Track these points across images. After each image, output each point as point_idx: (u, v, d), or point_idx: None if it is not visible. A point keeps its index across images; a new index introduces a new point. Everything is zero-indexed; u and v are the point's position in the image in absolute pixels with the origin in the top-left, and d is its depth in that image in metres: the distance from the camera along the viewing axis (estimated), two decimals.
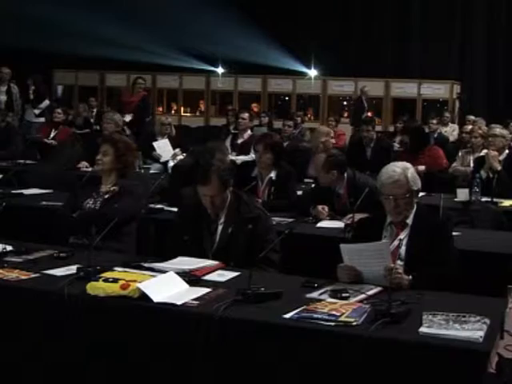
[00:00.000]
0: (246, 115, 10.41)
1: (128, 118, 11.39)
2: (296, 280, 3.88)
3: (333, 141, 8.66)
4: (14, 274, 3.84)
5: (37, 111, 13.28)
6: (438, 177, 8.20)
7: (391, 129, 15.22)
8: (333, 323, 3.16)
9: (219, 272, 4.02)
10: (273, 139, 6.62)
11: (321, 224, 5.62)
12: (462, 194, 6.68)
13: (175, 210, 5.61)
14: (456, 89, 16.83)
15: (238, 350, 3.29)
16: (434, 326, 3.10)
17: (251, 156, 8.67)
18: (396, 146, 11.50)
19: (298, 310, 3.30)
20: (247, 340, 3.28)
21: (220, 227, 4.47)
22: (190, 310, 3.38)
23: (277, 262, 4.39)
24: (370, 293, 3.63)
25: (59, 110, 11.09)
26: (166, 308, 3.40)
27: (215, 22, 17.14)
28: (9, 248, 4.31)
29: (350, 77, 17.57)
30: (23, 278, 3.81)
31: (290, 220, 5.67)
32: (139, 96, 12.15)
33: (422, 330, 3.07)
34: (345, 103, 18.37)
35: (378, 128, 11.88)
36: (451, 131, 13.38)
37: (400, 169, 4.18)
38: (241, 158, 9.19)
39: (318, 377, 3.16)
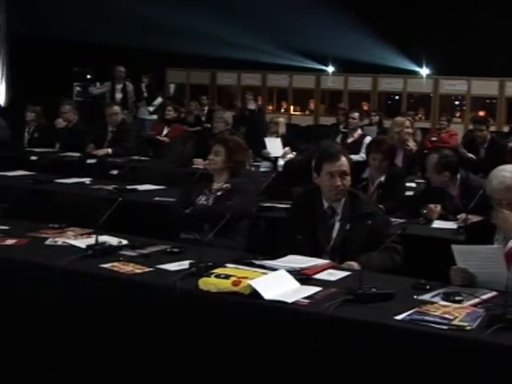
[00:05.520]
0: (356, 114, 10.35)
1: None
2: (407, 281, 3.83)
3: (409, 130, 8.60)
4: (129, 268, 3.95)
5: (151, 108, 13.61)
6: None
7: (505, 129, 14.80)
8: (445, 327, 3.11)
9: (330, 271, 4.01)
10: (388, 144, 6.58)
11: (433, 224, 5.54)
12: None
13: (286, 206, 5.62)
14: None
15: (348, 350, 3.27)
16: None
17: (361, 156, 8.60)
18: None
19: (409, 312, 3.26)
20: (357, 340, 3.25)
21: (337, 224, 4.49)
22: (301, 308, 3.38)
23: (401, 254, 4.39)
24: (485, 297, 3.54)
25: (170, 108, 11.31)
26: (277, 306, 3.41)
27: (325, 21, 17.06)
28: (124, 242, 4.43)
29: (463, 76, 17.19)
30: (138, 271, 3.91)
31: (401, 220, 5.60)
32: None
33: None
34: (457, 103, 17.98)
35: (492, 128, 11.55)
36: None
37: (510, 173, 4.08)
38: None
39: (430, 381, 3.11)
